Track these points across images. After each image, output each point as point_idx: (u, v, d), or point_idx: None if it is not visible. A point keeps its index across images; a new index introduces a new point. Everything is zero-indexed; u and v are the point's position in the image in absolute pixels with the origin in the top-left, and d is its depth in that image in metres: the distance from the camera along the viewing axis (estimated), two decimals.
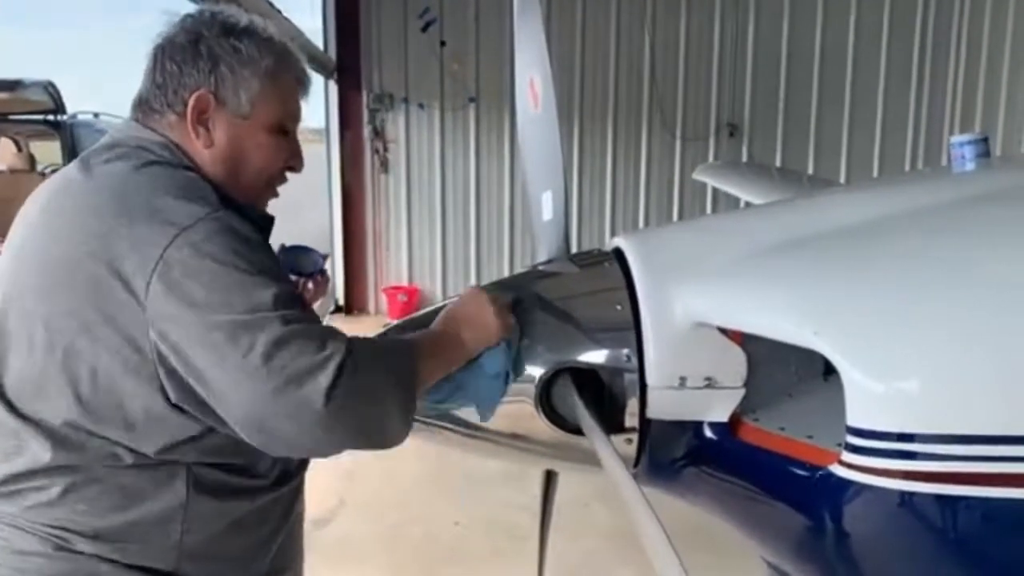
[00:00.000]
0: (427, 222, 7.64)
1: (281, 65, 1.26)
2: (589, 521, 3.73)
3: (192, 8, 1.30)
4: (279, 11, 5.15)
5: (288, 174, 1.34)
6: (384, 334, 1.38)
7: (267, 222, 1.30)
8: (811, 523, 1.18)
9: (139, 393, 1.10)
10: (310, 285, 1.60)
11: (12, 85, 5.97)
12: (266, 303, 1.05)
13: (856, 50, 7.48)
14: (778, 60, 7.49)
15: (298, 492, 1.36)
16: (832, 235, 1.36)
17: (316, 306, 1.62)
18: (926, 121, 7.58)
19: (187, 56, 1.21)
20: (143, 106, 1.25)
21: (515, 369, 1.32)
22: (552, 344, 1.35)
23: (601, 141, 7.48)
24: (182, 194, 1.12)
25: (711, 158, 7.46)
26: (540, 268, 1.51)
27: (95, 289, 1.08)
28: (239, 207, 1.19)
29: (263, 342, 1.03)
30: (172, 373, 1.07)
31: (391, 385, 1.11)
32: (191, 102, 1.21)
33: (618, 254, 1.42)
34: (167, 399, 1.10)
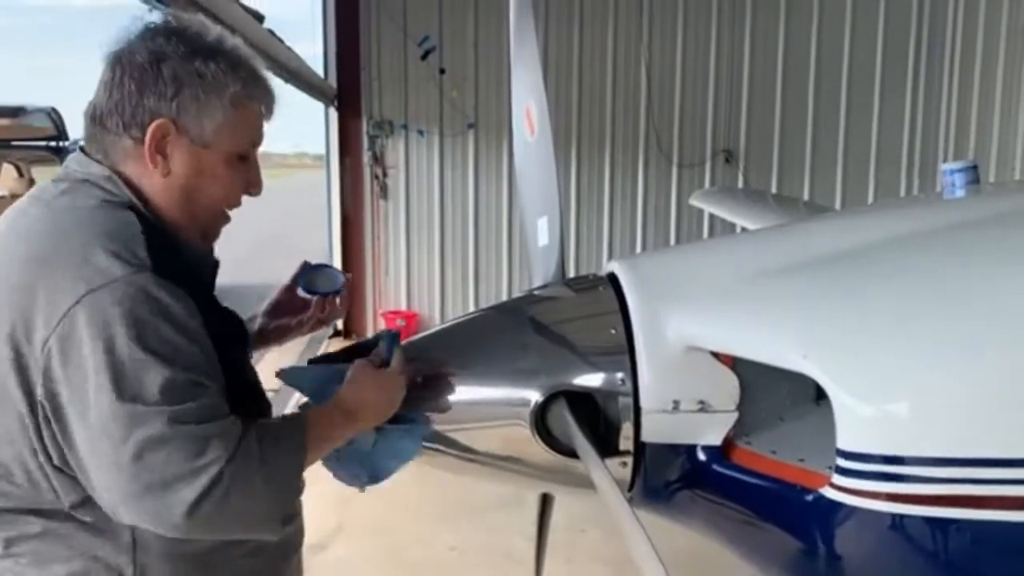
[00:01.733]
0: (426, 247, 7.66)
1: (247, 91, 1.18)
2: (584, 546, 3.71)
3: (155, 16, 1.21)
4: (280, 39, 5.21)
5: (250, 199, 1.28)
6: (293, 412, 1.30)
7: (210, 265, 1.27)
8: (803, 545, 1.19)
9: (28, 447, 1.07)
10: (327, 306, 1.52)
11: (15, 112, 6.02)
12: (152, 394, 1.00)
13: (850, 78, 7.55)
14: (774, 87, 7.56)
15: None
16: (822, 260, 1.38)
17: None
18: (920, 148, 7.64)
19: (148, 78, 1.12)
20: (97, 124, 1.16)
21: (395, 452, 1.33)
22: (547, 368, 1.37)
23: (599, 167, 7.53)
24: (108, 245, 1.06)
25: (707, 184, 7.50)
26: (536, 292, 1.53)
27: (10, 334, 1.05)
28: (176, 253, 1.13)
29: (137, 439, 0.99)
30: (52, 435, 1.04)
31: (269, 493, 1.07)
32: (150, 130, 1.12)
33: (612, 279, 1.44)
34: (50, 459, 1.06)
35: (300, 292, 1.46)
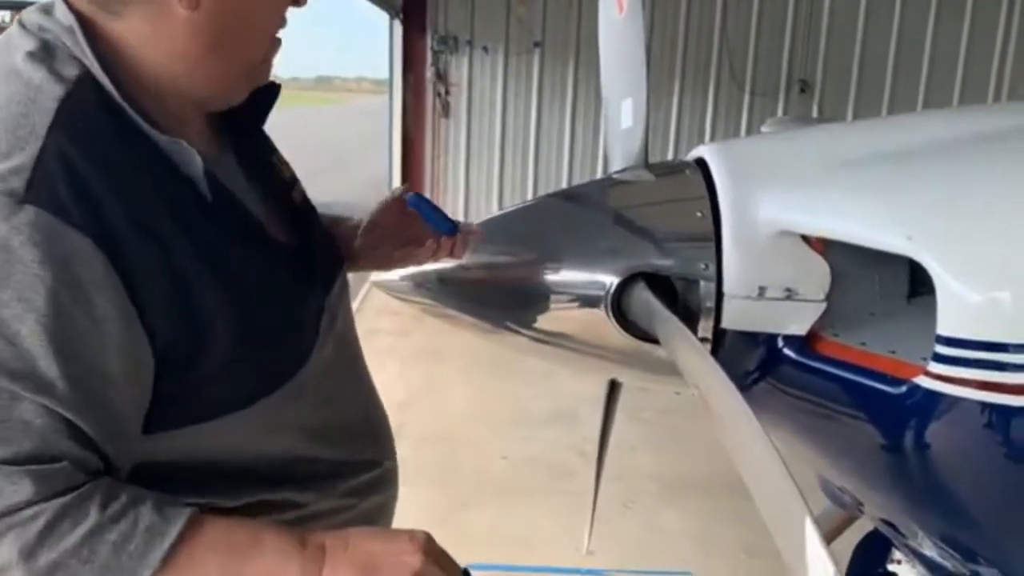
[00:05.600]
0: (485, 169, 7.61)
1: None
2: (635, 464, 3.74)
3: None
4: None
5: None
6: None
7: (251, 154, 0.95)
8: (891, 436, 1.14)
9: None
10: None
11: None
12: None
13: (939, 8, 7.16)
14: (855, 15, 7.22)
15: None
16: (925, 148, 1.30)
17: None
18: (1008, 84, 7.25)
19: None
20: None
21: None
22: (626, 250, 1.33)
23: (667, 92, 7.33)
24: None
25: (780, 114, 7.26)
26: (615, 176, 1.47)
27: None
28: (153, 157, 0.79)
29: None
30: None
31: None
32: None
33: (700, 164, 1.38)
34: None
35: (426, 224, 1.18)
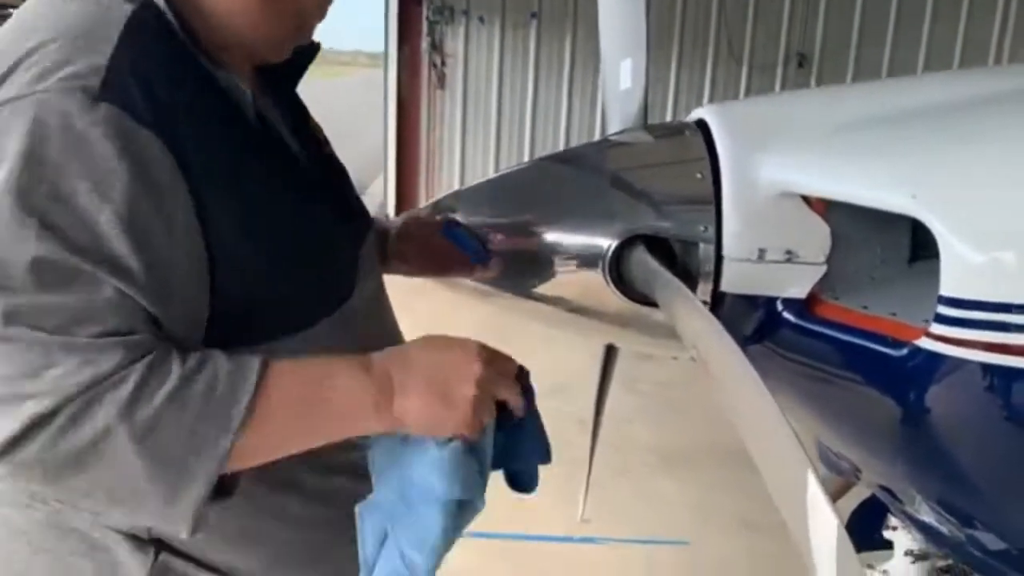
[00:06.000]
0: (481, 141, 7.55)
1: None
2: (632, 435, 3.74)
3: None
4: None
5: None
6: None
7: (285, 98, 0.96)
8: (890, 401, 1.13)
9: None
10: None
11: None
12: (8, 271, 0.70)
13: None
14: None
15: None
16: (928, 110, 1.28)
17: None
18: (1009, 51, 7.20)
19: None
20: None
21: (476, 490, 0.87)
22: (624, 212, 1.31)
23: (664, 63, 7.26)
24: (53, 47, 0.75)
25: (777, 88, 7.21)
26: (612, 137, 1.45)
27: None
28: (210, 86, 0.83)
29: None
30: None
31: (152, 476, 0.72)
32: None
33: (700, 126, 1.36)
34: None
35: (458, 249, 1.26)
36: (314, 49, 1.01)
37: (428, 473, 0.83)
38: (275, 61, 0.96)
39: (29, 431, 0.69)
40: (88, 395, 0.70)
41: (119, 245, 0.73)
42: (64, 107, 0.72)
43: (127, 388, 0.71)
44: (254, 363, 0.77)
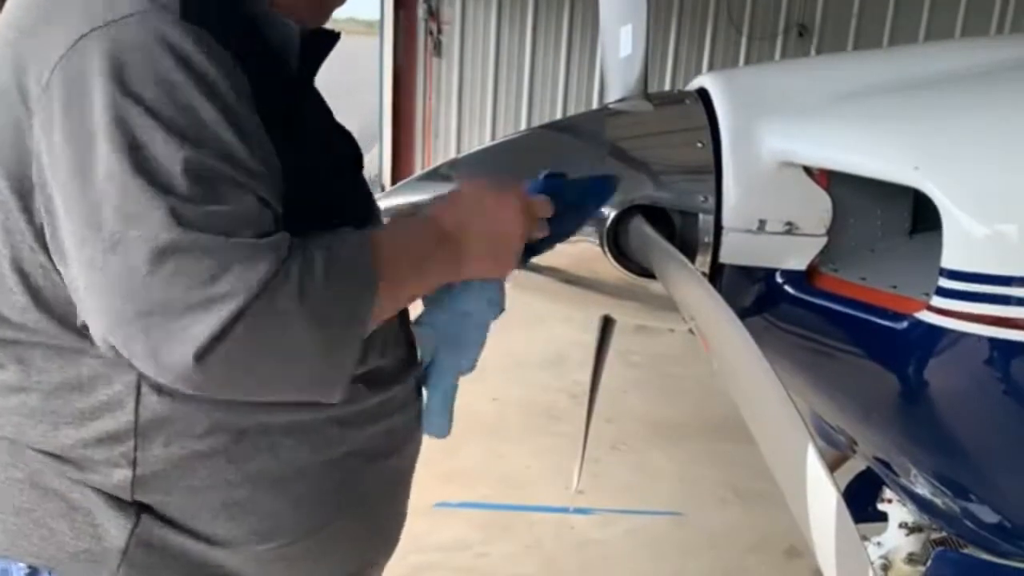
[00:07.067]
0: (478, 109, 7.47)
1: None
2: (626, 407, 3.75)
3: None
4: None
5: None
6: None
7: (312, 54, 0.94)
8: (889, 374, 1.12)
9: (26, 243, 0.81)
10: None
11: None
12: (162, 179, 0.73)
13: None
14: None
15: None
16: (931, 80, 1.26)
17: None
18: (1011, 22, 7.13)
19: None
20: None
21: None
22: (623, 181, 1.29)
23: (663, 35, 7.17)
24: None
25: (777, 59, 7.14)
26: (612, 106, 1.43)
27: (5, 112, 0.79)
28: (252, 25, 0.86)
29: (137, 244, 0.72)
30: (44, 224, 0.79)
31: (316, 344, 0.79)
32: None
33: (701, 94, 1.33)
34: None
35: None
36: (334, 38, 1.01)
37: (481, 306, 1.05)
38: (313, 26, 0.96)
39: (228, 328, 0.73)
40: (269, 288, 0.75)
41: (240, 151, 0.77)
42: (164, 28, 0.75)
43: (293, 280, 0.77)
44: (359, 233, 0.86)
